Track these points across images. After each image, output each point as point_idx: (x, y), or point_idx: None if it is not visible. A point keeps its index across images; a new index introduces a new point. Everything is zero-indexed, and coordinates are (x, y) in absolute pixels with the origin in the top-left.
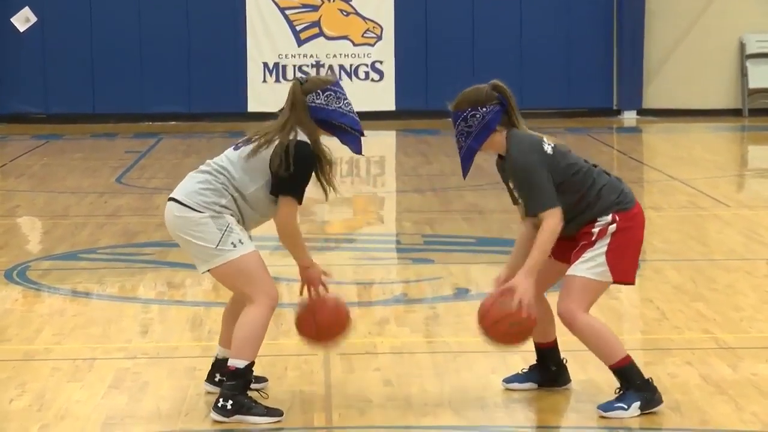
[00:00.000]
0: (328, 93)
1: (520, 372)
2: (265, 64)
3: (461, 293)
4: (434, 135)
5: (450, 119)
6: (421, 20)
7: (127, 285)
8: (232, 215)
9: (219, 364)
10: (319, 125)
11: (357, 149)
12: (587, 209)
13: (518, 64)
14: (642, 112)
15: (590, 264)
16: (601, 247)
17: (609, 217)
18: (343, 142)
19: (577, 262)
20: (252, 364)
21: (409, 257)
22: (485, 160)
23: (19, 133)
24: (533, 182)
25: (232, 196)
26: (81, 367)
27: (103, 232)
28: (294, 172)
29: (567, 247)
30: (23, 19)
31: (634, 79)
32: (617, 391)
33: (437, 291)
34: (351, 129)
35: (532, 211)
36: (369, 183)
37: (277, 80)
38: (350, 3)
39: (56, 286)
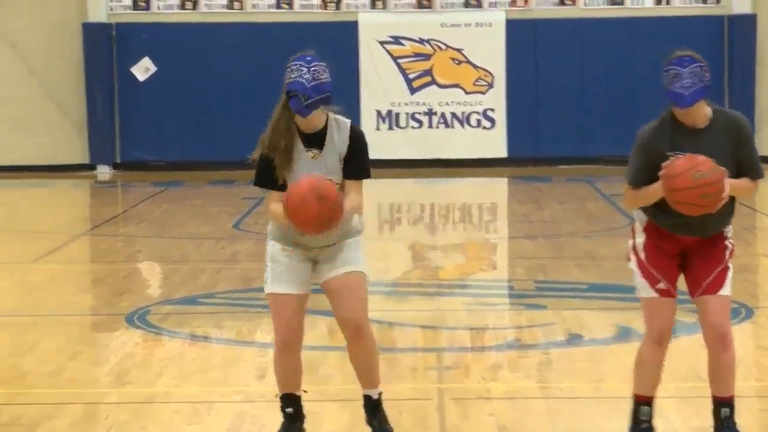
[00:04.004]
0: (288, 69)
1: None
2: (378, 112)
3: (574, 339)
4: (546, 182)
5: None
6: (532, 68)
7: (244, 329)
8: (273, 238)
9: None
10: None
11: (295, 109)
12: (732, 212)
13: (629, 111)
14: None
15: (729, 284)
16: (729, 265)
17: (731, 230)
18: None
19: (725, 282)
20: (283, 396)
21: (522, 303)
22: (597, 207)
23: (139, 180)
24: (755, 149)
25: None
26: (200, 410)
27: (221, 277)
28: None
29: (702, 256)
30: (143, 69)
31: None
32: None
33: (550, 336)
34: (294, 92)
35: (758, 174)
36: (481, 229)
37: (390, 128)
38: (462, 52)
39: (176, 330)
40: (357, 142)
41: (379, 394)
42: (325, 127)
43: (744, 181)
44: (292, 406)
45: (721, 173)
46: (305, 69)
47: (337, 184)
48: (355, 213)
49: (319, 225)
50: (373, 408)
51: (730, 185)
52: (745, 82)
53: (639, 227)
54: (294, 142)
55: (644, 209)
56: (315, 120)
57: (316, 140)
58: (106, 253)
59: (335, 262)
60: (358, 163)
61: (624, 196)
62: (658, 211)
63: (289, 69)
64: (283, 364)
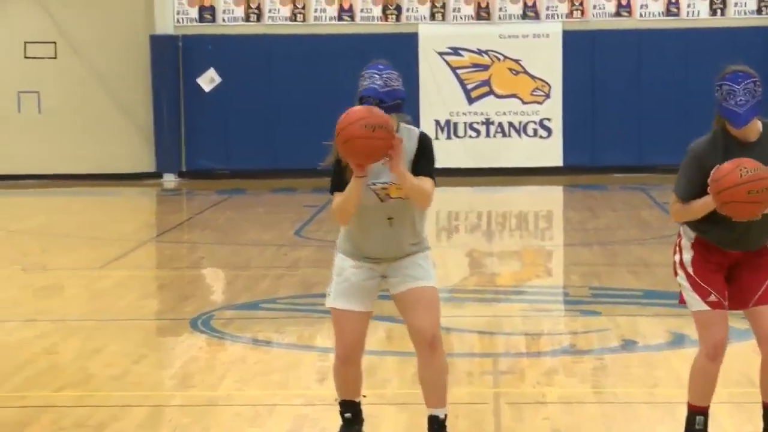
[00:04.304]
0: (361, 77)
1: None
2: (437, 122)
3: (628, 345)
4: (601, 190)
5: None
6: (588, 78)
7: (305, 334)
8: (342, 252)
9: None
10: None
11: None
12: None
13: (685, 121)
14: None
15: None
16: None
17: None
18: None
19: None
20: (341, 401)
21: (577, 309)
22: (651, 215)
23: (204, 188)
24: None
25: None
26: (261, 413)
27: (283, 283)
28: None
29: (750, 269)
30: (208, 80)
31: None
32: None
33: (604, 342)
34: (366, 98)
35: None
36: (537, 237)
37: (449, 137)
38: (519, 62)
39: (238, 334)
40: (425, 146)
41: (445, 415)
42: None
43: None
44: (350, 411)
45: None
46: (377, 76)
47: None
48: (423, 195)
49: (371, 152)
50: (440, 430)
51: None
52: None
53: (686, 243)
54: None
55: (692, 226)
56: None
57: None
58: (171, 259)
59: (406, 277)
60: (425, 163)
61: (671, 209)
62: (707, 227)
63: (362, 77)
64: (342, 374)
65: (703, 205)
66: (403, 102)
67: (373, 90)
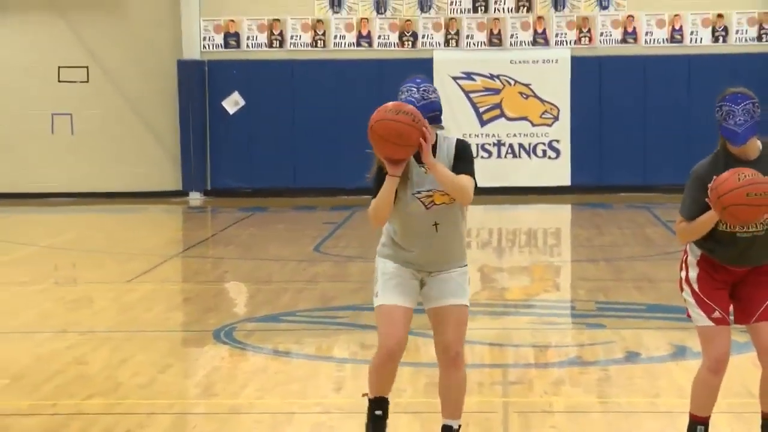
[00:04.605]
0: (399, 92)
1: None
2: (441, 120)
3: (632, 356)
4: (607, 209)
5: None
6: (596, 102)
7: (323, 345)
8: (383, 257)
9: None
10: None
11: None
12: None
13: (688, 142)
14: None
15: None
16: None
17: None
18: None
19: None
20: (373, 398)
21: (583, 322)
22: (655, 232)
23: (228, 206)
24: None
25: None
26: (281, 420)
27: (302, 296)
28: None
29: (753, 285)
30: (233, 103)
31: None
32: None
33: (609, 354)
34: None
35: None
36: (546, 253)
37: None
38: (529, 86)
39: (259, 345)
40: (462, 149)
41: (459, 426)
42: (435, 143)
43: None
44: (381, 408)
45: (766, 178)
46: (415, 89)
47: (447, 195)
48: (460, 188)
49: (398, 138)
50: None
51: None
52: None
53: (692, 260)
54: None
55: (698, 244)
56: None
57: None
58: (196, 273)
59: (443, 292)
60: (463, 163)
61: (677, 230)
62: (712, 246)
63: (400, 91)
64: (383, 371)
65: (707, 219)
66: (440, 113)
67: (412, 102)
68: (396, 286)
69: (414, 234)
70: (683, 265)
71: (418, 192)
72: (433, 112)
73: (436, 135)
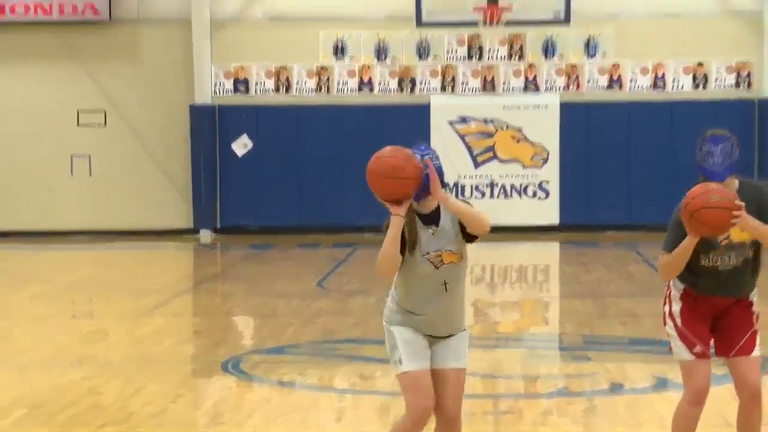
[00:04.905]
0: None
1: None
2: (446, 184)
3: (616, 388)
4: (593, 247)
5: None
6: (583, 144)
7: (325, 376)
8: (396, 324)
9: None
10: None
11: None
12: (757, 269)
13: (671, 184)
14: None
15: (758, 346)
16: (757, 327)
17: (757, 293)
18: None
19: (756, 344)
20: None
21: (570, 355)
22: (638, 270)
23: (237, 243)
24: None
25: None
26: None
27: (306, 330)
28: None
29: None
30: (242, 146)
31: None
32: None
33: (595, 385)
34: None
35: None
36: (536, 289)
37: (456, 198)
38: (521, 130)
39: (265, 377)
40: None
41: None
42: (438, 206)
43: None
44: None
45: (730, 190)
46: (419, 156)
47: (457, 254)
48: (475, 217)
49: (393, 170)
50: None
51: (752, 225)
52: None
53: (676, 294)
54: (414, 222)
55: (681, 279)
56: (428, 203)
57: (432, 219)
58: (206, 308)
59: (447, 354)
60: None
61: (660, 266)
62: (695, 280)
63: None
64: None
65: (684, 245)
66: (443, 175)
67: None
68: (419, 351)
69: (424, 294)
70: (667, 299)
71: (428, 253)
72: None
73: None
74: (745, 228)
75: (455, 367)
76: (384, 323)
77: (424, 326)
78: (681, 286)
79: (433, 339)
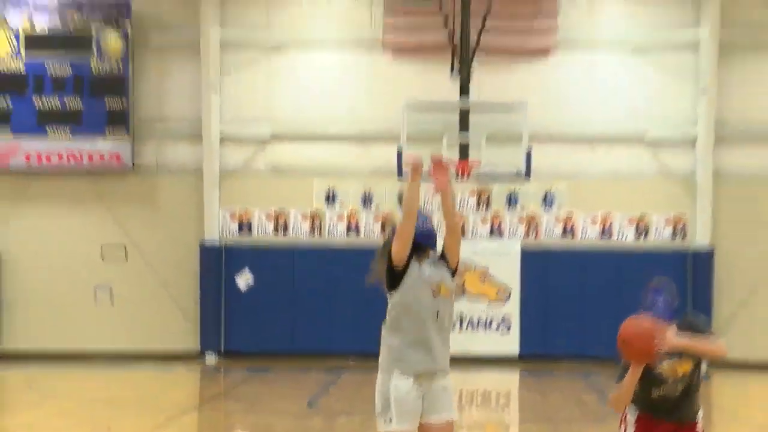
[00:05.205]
0: None
1: None
2: (435, 244)
3: None
4: (550, 375)
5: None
6: (542, 284)
7: None
8: (398, 369)
9: None
10: None
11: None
12: (698, 388)
13: (618, 321)
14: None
15: None
16: None
17: (701, 415)
18: None
19: None
20: None
21: None
22: (590, 398)
23: (238, 366)
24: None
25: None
26: None
27: None
28: None
29: None
30: (244, 280)
31: None
32: None
33: None
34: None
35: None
36: (498, 412)
37: None
38: (487, 270)
39: None
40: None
41: None
42: (428, 256)
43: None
44: None
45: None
46: (420, 222)
47: (449, 289)
48: (458, 221)
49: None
50: None
51: (682, 343)
52: (705, 304)
53: (631, 419)
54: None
55: (637, 405)
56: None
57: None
58: (210, 424)
59: (438, 406)
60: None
61: (612, 399)
62: (649, 406)
63: None
64: None
65: (629, 377)
66: (434, 237)
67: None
68: (410, 411)
69: (418, 316)
70: (622, 423)
71: (430, 277)
72: (431, 237)
73: (430, 252)
74: (676, 348)
75: (446, 420)
76: (379, 375)
77: (423, 361)
78: (636, 412)
79: (429, 385)
